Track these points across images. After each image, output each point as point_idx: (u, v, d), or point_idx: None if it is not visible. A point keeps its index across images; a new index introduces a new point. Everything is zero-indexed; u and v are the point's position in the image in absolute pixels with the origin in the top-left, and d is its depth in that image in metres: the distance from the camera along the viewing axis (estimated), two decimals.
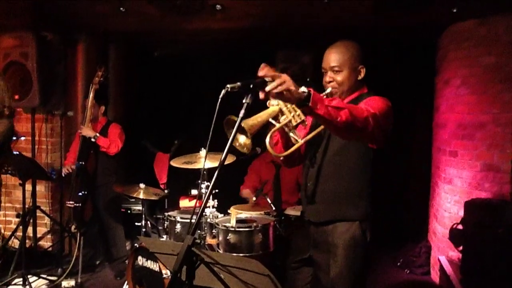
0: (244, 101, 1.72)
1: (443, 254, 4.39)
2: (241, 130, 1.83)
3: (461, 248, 3.93)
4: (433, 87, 4.92)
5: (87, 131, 4.41)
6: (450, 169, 4.38)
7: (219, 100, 1.65)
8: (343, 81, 2.31)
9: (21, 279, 4.09)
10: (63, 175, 4.64)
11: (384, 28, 4.66)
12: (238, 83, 1.70)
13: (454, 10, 3.89)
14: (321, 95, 2.03)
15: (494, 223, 3.63)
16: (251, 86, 1.72)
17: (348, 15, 4.18)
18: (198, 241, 3.51)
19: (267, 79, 1.78)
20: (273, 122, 1.97)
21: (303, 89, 1.85)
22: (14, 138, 4.69)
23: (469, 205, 3.90)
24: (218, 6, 3.98)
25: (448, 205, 4.38)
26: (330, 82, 2.32)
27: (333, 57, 2.32)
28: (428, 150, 5.05)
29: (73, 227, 4.53)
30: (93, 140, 4.39)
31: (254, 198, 4.09)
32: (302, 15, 4.24)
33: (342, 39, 2.40)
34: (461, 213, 4.03)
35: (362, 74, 2.35)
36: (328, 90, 2.30)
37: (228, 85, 1.68)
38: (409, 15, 4.04)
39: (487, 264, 3.61)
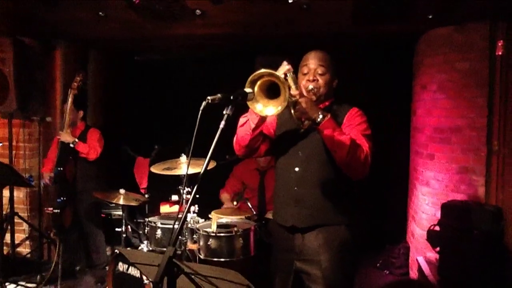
0: (224, 112, 1.75)
1: (421, 255, 4.47)
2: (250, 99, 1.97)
3: (438, 249, 4.01)
4: (411, 92, 5.01)
5: (65, 137, 4.38)
6: (427, 171, 4.47)
7: (200, 111, 1.68)
8: (324, 84, 2.38)
9: None
10: (43, 184, 4.59)
11: (362, 35, 4.73)
12: (219, 95, 1.73)
13: (430, 17, 3.97)
14: (332, 122, 2.18)
15: (470, 224, 3.72)
16: (231, 98, 1.76)
17: (327, 23, 4.23)
18: (179, 252, 3.50)
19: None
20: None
21: (322, 112, 2.14)
22: (0, 144, 4.64)
23: (446, 207, 3.99)
24: (198, 11, 3.98)
25: (426, 207, 4.46)
26: (313, 80, 2.37)
27: (320, 59, 2.40)
28: (406, 153, 5.13)
29: (52, 233, 4.48)
30: (72, 146, 4.36)
31: (235, 203, 4.10)
32: (281, 22, 4.27)
33: (322, 45, 2.48)
34: (438, 214, 4.12)
35: (335, 85, 2.47)
36: (310, 87, 2.35)
37: (209, 97, 1.71)
38: (387, 23, 4.11)
39: (463, 264, 3.70)
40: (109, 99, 5.94)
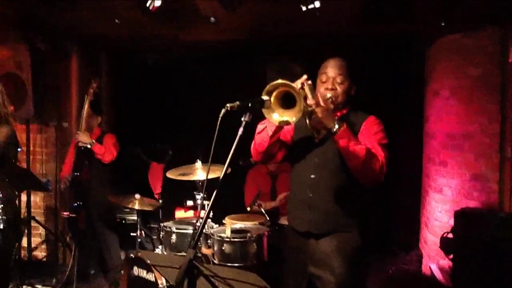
0: (242, 119, 1.79)
1: (434, 262, 4.46)
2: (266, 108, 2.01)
3: (451, 256, 4.01)
4: (423, 97, 5.02)
5: (83, 137, 4.41)
6: (440, 178, 4.47)
7: (219, 118, 1.72)
8: (343, 92, 2.40)
9: None
10: (62, 188, 4.65)
11: (373, 39, 4.75)
12: (237, 102, 1.77)
13: (442, 24, 4.00)
14: (348, 131, 2.20)
15: (483, 232, 3.72)
16: (249, 105, 1.80)
17: (338, 25, 4.26)
18: (199, 254, 3.54)
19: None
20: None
21: (338, 122, 2.15)
22: (19, 149, 4.72)
23: (459, 215, 3.99)
24: (212, 19, 4.05)
25: (439, 214, 4.46)
26: (332, 89, 2.39)
27: (340, 67, 2.41)
28: (418, 160, 5.14)
29: (68, 237, 4.54)
30: (89, 146, 4.40)
31: (248, 208, 4.14)
32: (292, 26, 4.31)
33: (333, 48, 2.50)
34: (451, 222, 4.11)
35: (353, 93, 2.47)
36: (328, 96, 2.36)
37: (228, 104, 1.75)
38: (396, 26, 4.14)
39: (476, 272, 3.69)
40: (121, 104, 6.01)
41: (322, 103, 2.18)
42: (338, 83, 2.40)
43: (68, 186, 4.51)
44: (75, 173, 4.42)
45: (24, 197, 4.53)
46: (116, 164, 4.67)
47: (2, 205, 2.98)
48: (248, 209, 4.13)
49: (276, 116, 2.03)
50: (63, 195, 4.83)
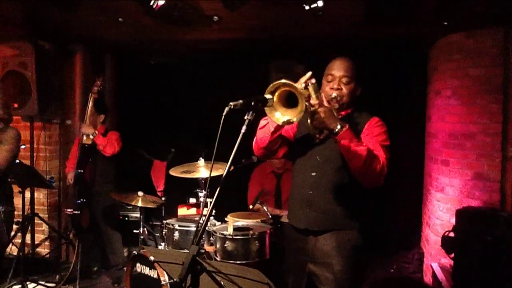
0: (245, 117, 1.81)
1: (436, 261, 4.48)
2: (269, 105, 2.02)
3: (452, 255, 4.02)
4: (425, 97, 5.04)
5: (86, 128, 4.46)
6: (441, 177, 4.48)
7: (222, 117, 1.74)
8: (348, 93, 2.42)
9: (19, 286, 4.14)
10: (70, 183, 4.69)
11: (375, 40, 4.77)
12: (240, 101, 1.79)
13: (445, 23, 4.01)
14: (350, 132, 2.20)
15: (484, 231, 3.73)
16: (252, 103, 1.82)
17: (339, 26, 4.28)
18: (203, 250, 3.57)
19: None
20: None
21: (340, 123, 2.16)
22: (23, 146, 4.77)
23: (461, 213, 4.00)
24: (215, 18, 4.07)
25: (440, 213, 4.47)
26: (337, 89, 2.40)
27: (346, 68, 2.42)
28: (420, 159, 5.15)
29: (71, 234, 4.57)
30: (91, 137, 4.43)
31: (251, 206, 4.16)
32: (295, 27, 4.33)
33: (335, 49, 2.51)
34: (453, 220, 4.13)
35: (358, 94, 2.49)
36: (334, 95, 2.38)
37: (231, 103, 1.77)
38: (399, 27, 4.15)
39: (477, 271, 3.70)
40: (124, 103, 6.05)
41: (325, 104, 2.19)
42: (344, 84, 2.41)
43: (73, 183, 4.55)
44: (79, 171, 4.46)
45: (27, 194, 4.55)
46: (119, 162, 4.71)
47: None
48: (251, 207, 4.15)
49: (278, 115, 2.04)
50: (67, 192, 4.87)
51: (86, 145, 4.48)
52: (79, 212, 4.41)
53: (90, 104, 4.51)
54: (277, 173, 4.58)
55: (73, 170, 4.58)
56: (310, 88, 2.12)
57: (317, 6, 3.53)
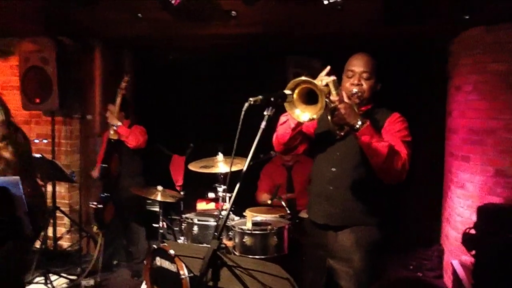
0: (265, 113, 1.82)
1: (456, 258, 4.43)
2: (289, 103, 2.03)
3: (473, 252, 3.97)
4: (446, 93, 4.97)
5: (112, 119, 4.49)
6: (462, 173, 4.43)
7: (243, 112, 1.75)
8: (368, 88, 2.41)
9: (43, 277, 4.23)
10: (95, 176, 4.76)
11: (395, 35, 4.71)
12: (260, 96, 1.80)
13: (467, 17, 3.93)
14: (371, 128, 2.19)
15: (506, 228, 3.67)
16: (272, 99, 1.82)
17: (358, 23, 4.24)
18: (223, 245, 3.59)
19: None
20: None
21: (361, 119, 2.14)
22: (45, 140, 4.85)
23: (482, 210, 3.95)
24: (233, 13, 4.07)
25: (461, 210, 4.42)
26: (358, 85, 2.40)
27: (366, 63, 2.42)
28: (440, 155, 5.09)
29: (94, 227, 4.64)
30: (115, 128, 4.47)
31: (269, 201, 4.17)
32: (312, 23, 4.30)
33: (353, 45, 2.50)
34: (474, 217, 4.08)
35: (378, 89, 2.48)
36: (354, 91, 2.38)
37: (251, 98, 1.78)
38: (420, 23, 4.09)
39: (499, 269, 3.65)
40: (143, 97, 6.10)
41: (346, 100, 2.18)
42: (364, 79, 2.40)
43: (98, 177, 4.62)
44: (104, 165, 4.51)
45: (49, 188, 4.64)
46: (144, 157, 4.75)
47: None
48: (269, 202, 4.15)
49: (298, 112, 2.05)
50: (92, 186, 4.94)
51: (112, 140, 4.52)
52: (102, 206, 4.47)
53: (118, 100, 4.52)
54: (288, 166, 4.58)
55: (99, 164, 4.64)
56: (330, 85, 2.11)
57: (336, 0, 3.49)
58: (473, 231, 4.01)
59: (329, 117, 2.21)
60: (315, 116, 2.02)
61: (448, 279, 4.65)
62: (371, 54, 2.47)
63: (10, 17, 4.37)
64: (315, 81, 2.00)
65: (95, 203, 4.49)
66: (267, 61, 5.55)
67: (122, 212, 4.67)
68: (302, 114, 2.05)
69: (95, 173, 4.74)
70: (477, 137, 4.26)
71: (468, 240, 4.05)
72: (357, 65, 2.42)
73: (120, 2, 3.96)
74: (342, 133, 2.36)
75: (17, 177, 2.58)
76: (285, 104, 2.02)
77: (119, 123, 4.47)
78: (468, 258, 4.18)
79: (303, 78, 1.98)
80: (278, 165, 4.66)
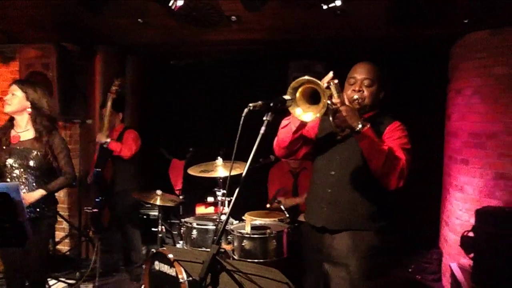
0: (264, 118, 1.83)
1: (455, 261, 4.44)
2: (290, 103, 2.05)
3: (472, 255, 3.98)
4: (445, 96, 4.98)
5: (100, 137, 4.55)
6: (461, 177, 4.44)
7: (242, 118, 1.76)
8: (369, 95, 2.42)
9: None
10: (89, 181, 4.77)
11: (397, 39, 4.73)
12: (260, 102, 1.81)
13: (465, 21, 3.95)
14: (371, 131, 2.20)
15: (505, 231, 3.68)
16: (271, 104, 1.83)
17: (361, 28, 4.26)
18: (222, 250, 3.59)
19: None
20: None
21: (362, 122, 2.16)
22: None
23: (481, 213, 3.95)
24: (233, 18, 4.09)
25: (460, 213, 4.43)
26: (359, 91, 2.41)
27: (368, 70, 2.44)
28: (439, 158, 5.10)
29: (91, 232, 4.65)
30: (104, 146, 4.51)
31: (268, 205, 4.17)
32: (315, 27, 4.32)
33: (356, 50, 2.51)
34: (472, 220, 4.08)
35: (381, 97, 2.49)
36: (355, 97, 2.40)
37: (251, 104, 1.79)
38: (423, 27, 4.11)
39: (497, 272, 3.66)
40: (145, 102, 6.11)
41: (347, 102, 2.20)
42: (365, 86, 2.42)
43: (92, 182, 4.62)
44: (97, 170, 4.52)
45: None
46: (138, 161, 4.75)
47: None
48: (268, 206, 4.16)
49: (300, 111, 2.06)
50: (87, 190, 4.94)
51: (105, 145, 4.54)
52: (97, 210, 4.47)
53: (109, 104, 4.57)
54: (295, 172, 4.59)
55: (93, 169, 4.65)
56: (332, 88, 2.13)
57: (335, 5, 3.51)
58: (471, 234, 4.02)
59: (330, 119, 2.22)
60: (318, 115, 2.03)
61: (446, 281, 4.65)
62: (375, 60, 2.49)
63: (18, 25, 4.40)
64: (318, 81, 2.02)
65: (89, 207, 4.50)
66: (269, 66, 5.57)
67: (118, 216, 4.67)
68: (304, 114, 2.06)
69: (89, 178, 4.75)
70: (478, 140, 4.27)
71: (466, 243, 4.07)
72: (358, 72, 2.44)
73: (126, 8, 3.98)
74: (343, 134, 2.39)
75: (17, 183, 2.60)
76: (287, 104, 2.04)
77: (108, 140, 4.52)
78: (466, 261, 4.19)
79: (307, 77, 2.00)
80: (285, 171, 4.67)
